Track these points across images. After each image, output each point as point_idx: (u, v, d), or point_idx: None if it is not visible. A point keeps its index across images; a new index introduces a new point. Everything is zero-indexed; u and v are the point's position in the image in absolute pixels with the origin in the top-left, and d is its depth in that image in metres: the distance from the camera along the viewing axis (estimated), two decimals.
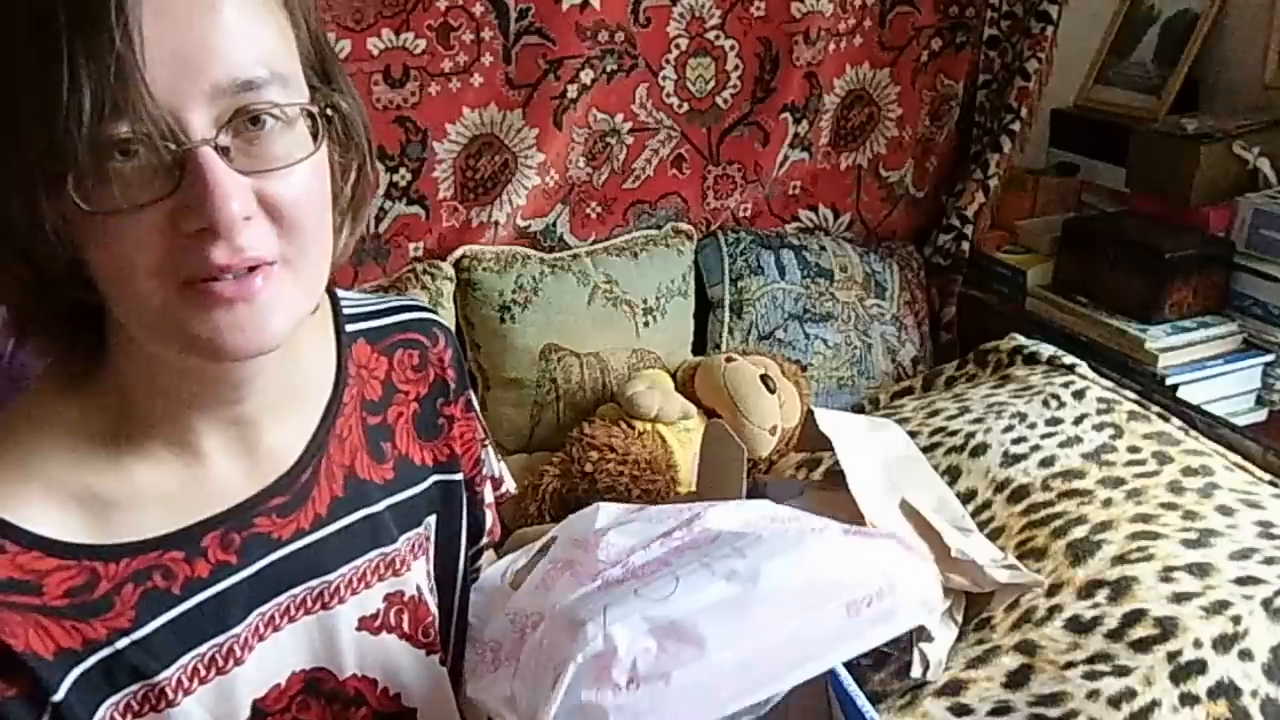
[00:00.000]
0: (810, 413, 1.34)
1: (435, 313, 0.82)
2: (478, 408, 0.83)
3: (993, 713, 1.09)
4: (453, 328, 1.78)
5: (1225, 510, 1.28)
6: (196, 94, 0.53)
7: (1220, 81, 2.06)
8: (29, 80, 0.50)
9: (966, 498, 1.39)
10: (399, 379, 0.76)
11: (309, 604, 0.68)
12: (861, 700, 0.75)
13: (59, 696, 0.58)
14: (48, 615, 0.58)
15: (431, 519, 0.77)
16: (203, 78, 0.53)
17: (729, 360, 1.79)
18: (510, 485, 0.90)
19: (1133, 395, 1.59)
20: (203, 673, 0.63)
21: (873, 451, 1.32)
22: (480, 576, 0.85)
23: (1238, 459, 1.45)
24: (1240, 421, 1.79)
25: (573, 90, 1.83)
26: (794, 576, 0.68)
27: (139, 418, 0.62)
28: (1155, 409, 1.55)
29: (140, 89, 0.50)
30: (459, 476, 0.79)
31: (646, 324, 1.91)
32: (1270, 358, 1.82)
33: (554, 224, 1.94)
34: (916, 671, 1.13)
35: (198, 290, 0.55)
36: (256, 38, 0.55)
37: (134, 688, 0.61)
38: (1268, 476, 1.41)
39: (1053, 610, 1.18)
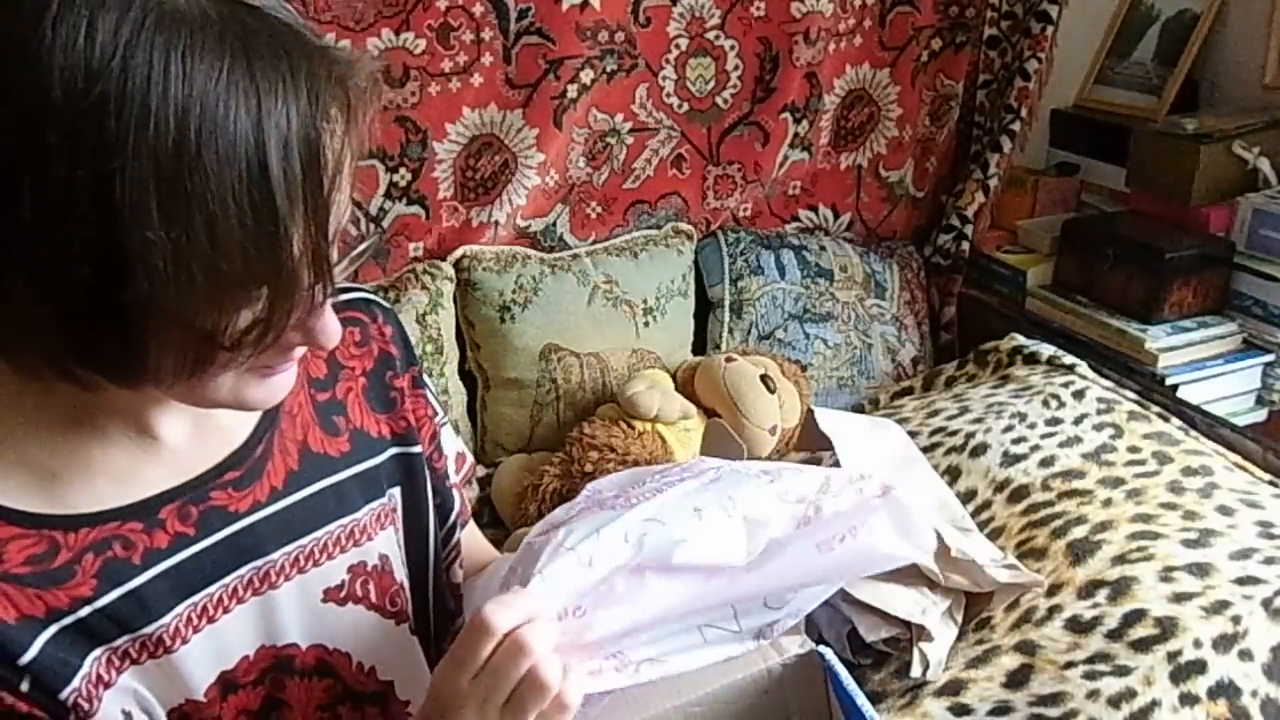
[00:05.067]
0: (810, 413, 1.34)
1: (374, 294, 0.84)
2: (430, 387, 0.84)
3: (993, 713, 1.09)
4: (453, 328, 1.81)
5: (1225, 510, 1.29)
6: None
7: (1220, 81, 2.06)
8: (245, 249, 0.51)
9: (966, 498, 1.39)
10: (343, 355, 0.78)
11: (272, 576, 0.69)
12: (861, 700, 0.75)
13: (28, 658, 0.58)
14: (9, 582, 0.59)
15: (396, 490, 0.79)
16: (337, 231, 0.58)
17: (729, 360, 1.80)
18: (470, 459, 0.93)
19: (1133, 395, 1.59)
20: (167, 643, 0.64)
21: (873, 451, 1.32)
22: (483, 573, 0.86)
23: (1238, 459, 1.45)
24: (1240, 421, 1.79)
25: (573, 90, 1.83)
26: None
27: (96, 409, 0.63)
28: (1155, 409, 1.55)
29: (327, 265, 0.56)
30: (418, 449, 0.80)
31: (646, 324, 1.91)
32: (1270, 358, 1.82)
33: (554, 224, 1.94)
34: (916, 671, 1.13)
35: (268, 371, 0.61)
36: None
37: (123, 639, 0.62)
38: (1268, 476, 1.41)
39: (1053, 610, 1.18)
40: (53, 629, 0.59)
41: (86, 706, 0.60)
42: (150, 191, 0.48)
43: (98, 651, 0.61)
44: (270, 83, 0.51)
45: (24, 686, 0.58)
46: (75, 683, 0.60)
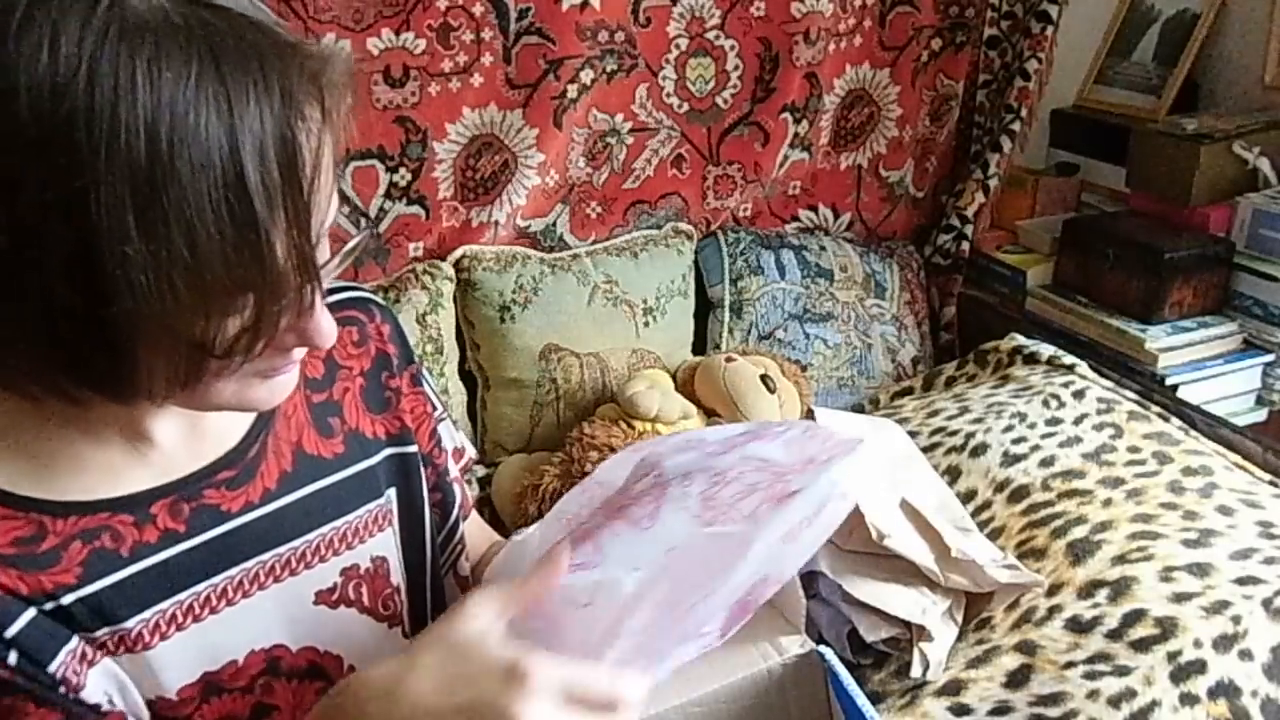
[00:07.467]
0: (810, 413, 1.34)
1: (372, 292, 0.83)
2: (430, 384, 0.84)
3: (993, 713, 1.09)
4: (453, 328, 1.81)
5: (1225, 510, 1.29)
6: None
7: (1220, 81, 2.06)
8: (227, 257, 0.50)
9: (966, 498, 1.39)
10: (341, 355, 0.78)
11: (261, 578, 0.69)
12: (861, 700, 0.75)
13: (13, 632, 0.58)
14: None
15: (391, 491, 0.78)
16: (322, 231, 0.57)
17: (729, 360, 1.80)
18: (471, 452, 0.92)
19: (1133, 395, 1.59)
20: (146, 638, 0.63)
21: (873, 451, 1.32)
22: (504, 548, 0.86)
23: (1238, 459, 1.45)
24: (1240, 421, 1.79)
25: (573, 90, 1.83)
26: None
27: (88, 414, 0.63)
28: (1155, 409, 1.55)
29: (313, 267, 0.55)
30: (414, 449, 0.80)
31: (646, 324, 1.91)
32: (1270, 358, 1.82)
33: (554, 224, 1.94)
34: (916, 671, 1.13)
35: (270, 373, 0.61)
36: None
37: (102, 632, 0.62)
38: (1268, 476, 1.41)
39: (1053, 610, 1.18)
40: (33, 611, 0.59)
41: (74, 680, 0.60)
42: (126, 206, 0.47)
43: (76, 640, 0.61)
44: (241, 86, 0.50)
45: (11, 659, 0.58)
46: (62, 656, 0.60)
